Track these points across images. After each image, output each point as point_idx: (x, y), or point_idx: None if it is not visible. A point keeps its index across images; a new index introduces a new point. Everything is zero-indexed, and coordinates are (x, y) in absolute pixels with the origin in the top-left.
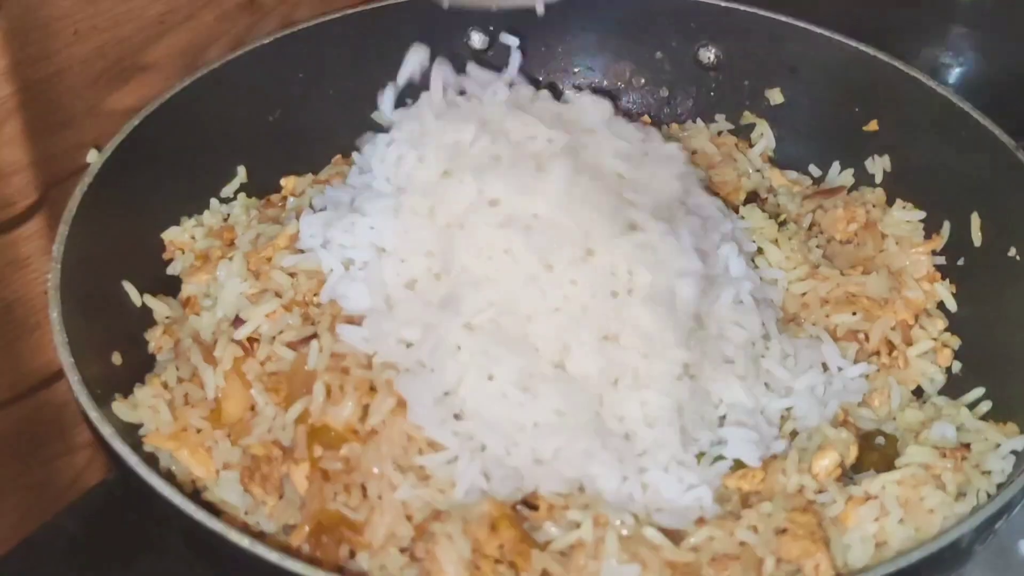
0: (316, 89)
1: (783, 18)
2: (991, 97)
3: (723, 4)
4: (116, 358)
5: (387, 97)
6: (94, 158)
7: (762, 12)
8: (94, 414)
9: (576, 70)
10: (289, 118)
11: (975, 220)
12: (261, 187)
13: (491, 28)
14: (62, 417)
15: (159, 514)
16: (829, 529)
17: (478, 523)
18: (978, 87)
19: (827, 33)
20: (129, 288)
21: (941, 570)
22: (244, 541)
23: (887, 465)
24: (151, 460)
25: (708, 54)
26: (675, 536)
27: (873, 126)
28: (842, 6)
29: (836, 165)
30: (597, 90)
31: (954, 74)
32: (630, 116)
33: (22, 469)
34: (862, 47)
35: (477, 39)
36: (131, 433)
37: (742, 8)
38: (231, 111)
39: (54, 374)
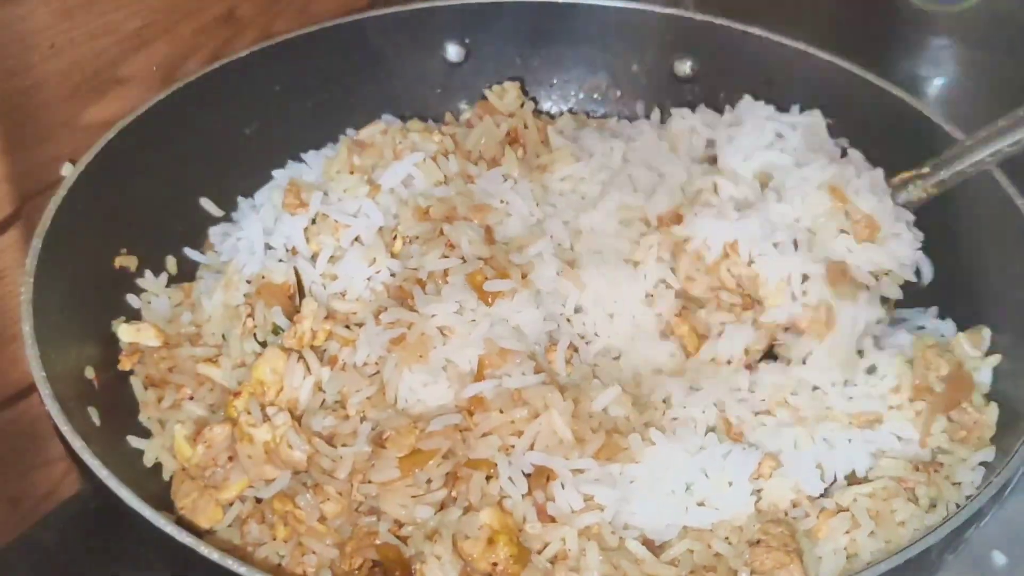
0: (293, 102)
1: (758, 32)
2: (970, 108)
3: (699, 18)
4: (89, 372)
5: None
6: (68, 171)
7: (737, 25)
8: (65, 427)
9: (553, 82)
10: (265, 131)
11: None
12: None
13: (467, 41)
14: (37, 429)
15: (130, 527)
16: (802, 541)
17: (475, 539)
18: (956, 99)
19: (801, 46)
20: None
21: None
22: (213, 555)
23: None
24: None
25: (684, 67)
26: (654, 548)
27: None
28: (823, 19)
29: None
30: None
31: (933, 86)
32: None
33: None
34: (836, 60)
35: (453, 52)
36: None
37: (718, 22)
38: (207, 124)
39: (30, 386)
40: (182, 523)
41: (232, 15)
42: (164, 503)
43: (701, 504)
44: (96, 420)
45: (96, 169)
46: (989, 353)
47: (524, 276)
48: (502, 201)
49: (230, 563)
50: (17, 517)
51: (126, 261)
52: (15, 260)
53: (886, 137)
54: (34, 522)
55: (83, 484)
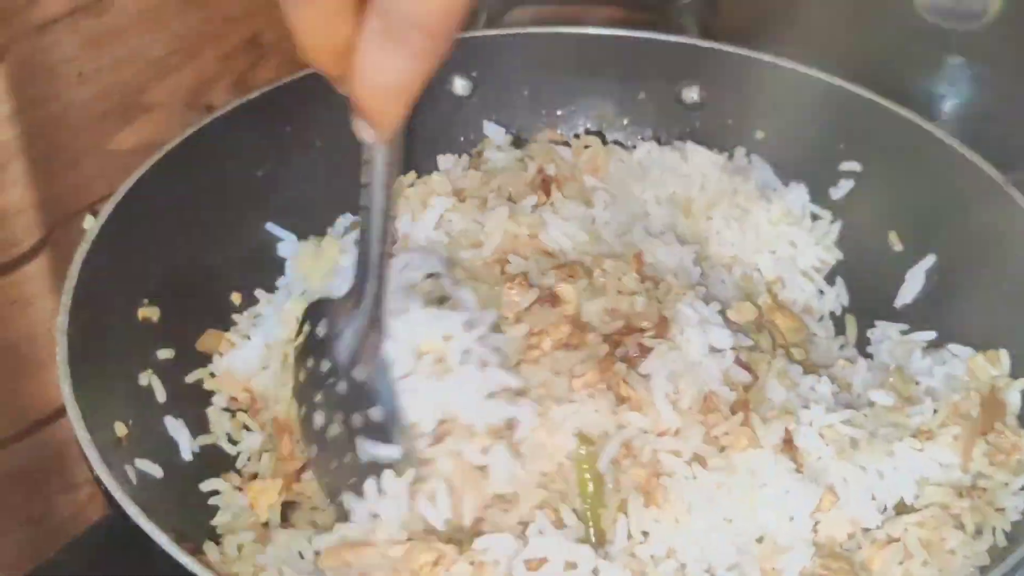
0: (303, 142)
1: (766, 58)
2: (987, 128)
3: (704, 45)
4: (120, 428)
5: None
6: (90, 224)
7: (744, 52)
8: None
9: (559, 112)
10: (277, 172)
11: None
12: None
13: (474, 74)
14: (64, 453)
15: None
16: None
17: None
18: (973, 118)
19: (810, 71)
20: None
21: None
22: None
23: None
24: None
25: (691, 93)
26: None
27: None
28: (834, 38)
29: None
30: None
31: (949, 105)
32: None
33: (23, 505)
34: (845, 84)
35: (460, 85)
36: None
37: (724, 48)
38: (220, 169)
39: (56, 410)
40: None
41: (256, 41)
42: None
43: (760, 540)
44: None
45: (115, 220)
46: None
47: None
48: None
49: None
50: (42, 540)
51: (149, 312)
52: (43, 287)
53: (898, 160)
54: (59, 546)
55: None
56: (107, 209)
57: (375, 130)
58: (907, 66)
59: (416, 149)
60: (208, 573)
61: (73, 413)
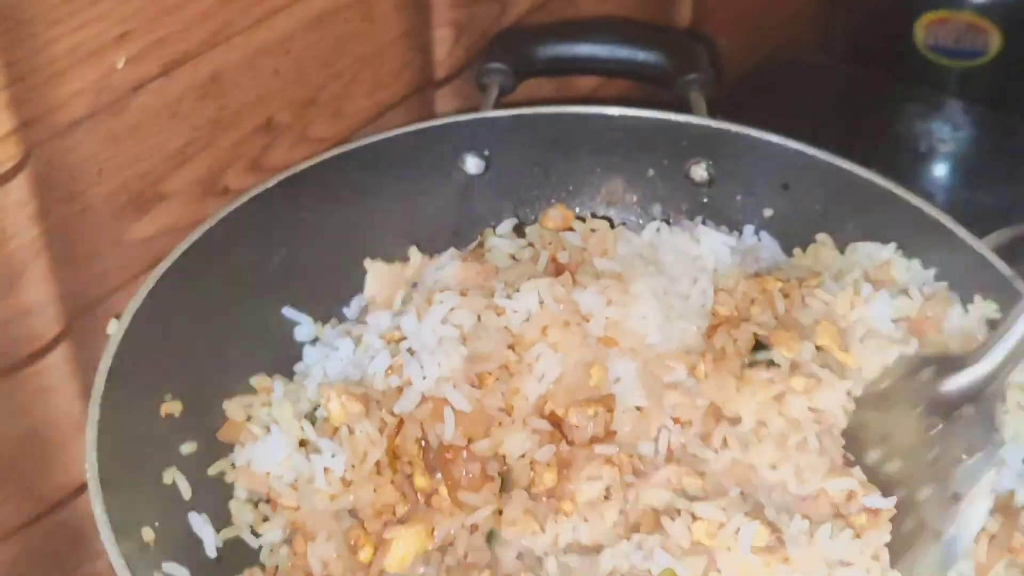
0: (317, 228)
1: (774, 138)
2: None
3: (714, 125)
4: (148, 534)
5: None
6: (114, 328)
7: (753, 132)
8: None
9: (569, 188)
10: (293, 257)
11: None
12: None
13: (486, 153)
14: (83, 528)
15: None
16: None
17: None
18: (974, 160)
19: (819, 153)
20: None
21: None
22: None
23: None
24: None
25: (700, 171)
26: None
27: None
28: (827, 85)
29: None
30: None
31: (946, 147)
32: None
33: None
34: (853, 168)
35: (472, 164)
36: None
37: (733, 129)
38: (236, 259)
39: (76, 489)
40: None
41: (270, 123)
42: None
43: None
44: None
45: (138, 321)
46: None
47: None
48: None
49: None
50: None
51: (172, 408)
52: (65, 375)
53: (906, 243)
54: None
55: None
56: (128, 312)
57: None
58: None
59: (428, 226)
60: None
61: (107, 536)
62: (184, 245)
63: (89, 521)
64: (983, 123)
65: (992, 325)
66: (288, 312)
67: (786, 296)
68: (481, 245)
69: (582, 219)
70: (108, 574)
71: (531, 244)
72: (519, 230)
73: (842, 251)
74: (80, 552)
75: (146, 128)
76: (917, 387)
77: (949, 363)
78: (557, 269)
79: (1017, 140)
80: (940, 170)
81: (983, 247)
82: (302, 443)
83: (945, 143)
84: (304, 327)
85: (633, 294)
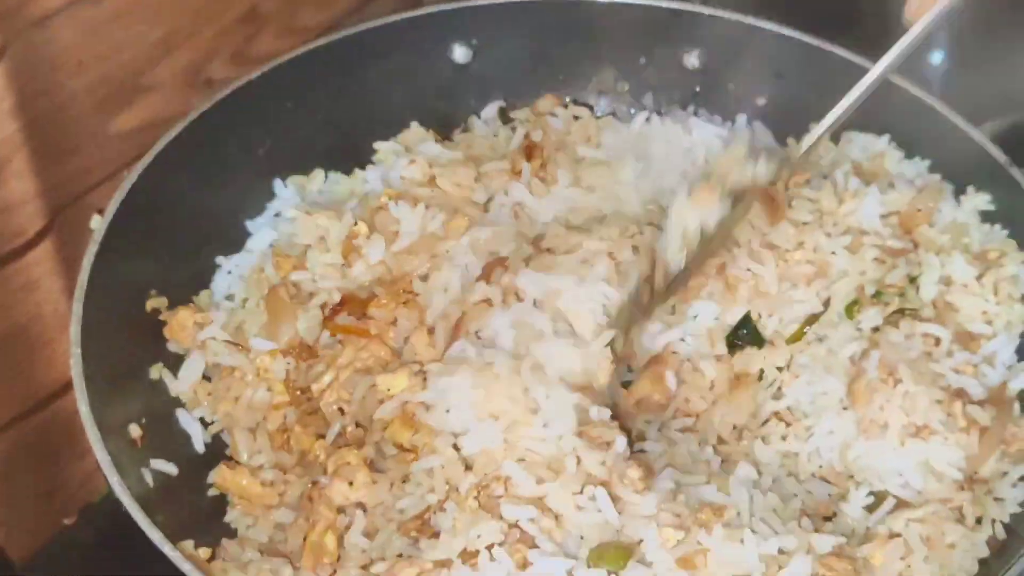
0: (304, 118)
1: (767, 25)
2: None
3: (707, 12)
4: (135, 430)
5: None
6: (97, 224)
7: (746, 19)
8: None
9: (561, 77)
10: (278, 149)
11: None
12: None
13: (474, 42)
14: (72, 424)
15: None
16: (863, 574)
17: None
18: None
19: (811, 40)
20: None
21: None
22: None
23: None
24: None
25: (692, 59)
26: None
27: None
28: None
29: None
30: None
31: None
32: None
33: (36, 477)
34: (851, 56)
35: (460, 53)
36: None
37: (726, 16)
38: (222, 151)
39: (64, 385)
40: None
41: (254, 12)
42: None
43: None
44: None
45: (120, 217)
46: None
47: None
48: None
49: None
50: (55, 510)
51: (157, 303)
52: (49, 270)
53: (900, 133)
54: (71, 513)
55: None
56: (112, 207)
57: None
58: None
59: (415, 117)
60: None
61: (92, 434)
62: (167, 138)
63: (77, 417)
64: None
65: (984, 218)
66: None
67: (771, 199)
68: (465, 131)
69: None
70: (96, 469)
71: (513, 128)
72: (505, 116)
73: (836, 141)
74: (69, 448)
75: (126, 18)
76: None
77: None
78: (529, 149)
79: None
80: (936, 58)
81: (979, 134)
82: None
83: (940, 30)
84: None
85: (621, 181)
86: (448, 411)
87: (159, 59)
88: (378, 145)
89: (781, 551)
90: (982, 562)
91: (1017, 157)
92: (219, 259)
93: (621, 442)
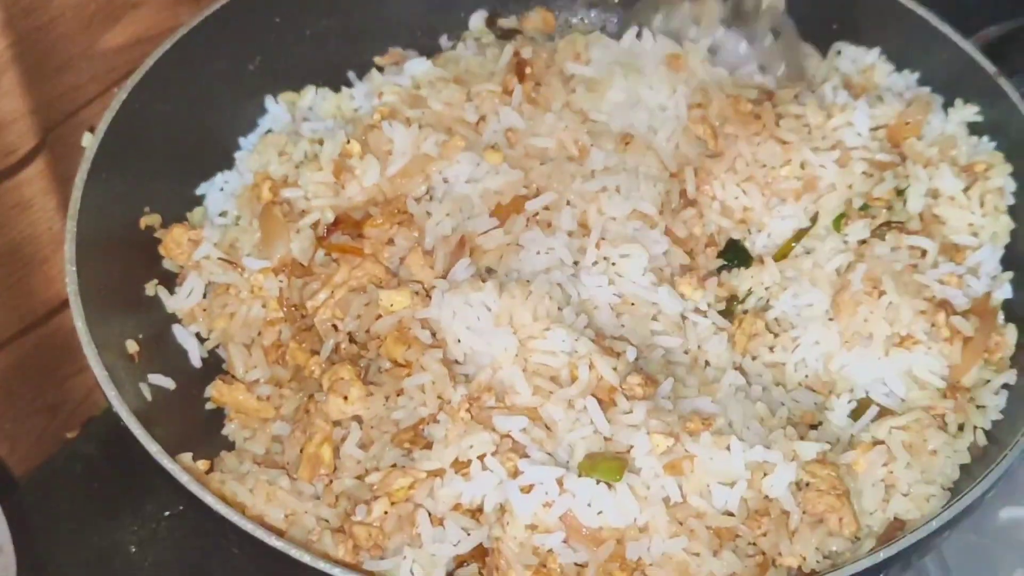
0: (292, 34)
1: None
2: None
3: None
4: (132, 346)
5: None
6: (88, 141)
7: None
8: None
9: None
10: (268, 65)
11: None
12: None
13: None
14: (71, 340)
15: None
16: (847, 480)
17: None
18: None
19: None
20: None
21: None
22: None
23: None
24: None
25: None
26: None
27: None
28: None
29: None
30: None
31: None
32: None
33: (38, 392)
34: None
35: None
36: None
37: None
38: (211, 69)
39: (63, 302)
40: None
41: None
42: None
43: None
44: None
45: (112, 134)
46: None
47: None
48: None
49: (235, 517)
50: (57, 425)
51: (151, 220)
52: (42, 188)
53: (897, 45)
54: (74, 427)
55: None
56: (103, 125)
57: None
58: None
59: (403, 31)
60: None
61: (89, 350)
62: (156, 55)
63: (76, 334)
64: None
65: (972, 130)
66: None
67: (757, 118)
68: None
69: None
70: (96, 386)
71: (504, 40)
72: (495, 25)
73: (825, 53)
74: (69, 363)
75: None
76: None
77: None
78: (519, 66)
79: None
80: None
81: (969, 45)
82: None
83: None
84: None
85: (609, 100)
86: (467, 327)
87: None
88: (379, 60)
89: (766, 461)
90: (963, 468)
91: (1008, 65)
92: (213, 176)
93: (632, 352)
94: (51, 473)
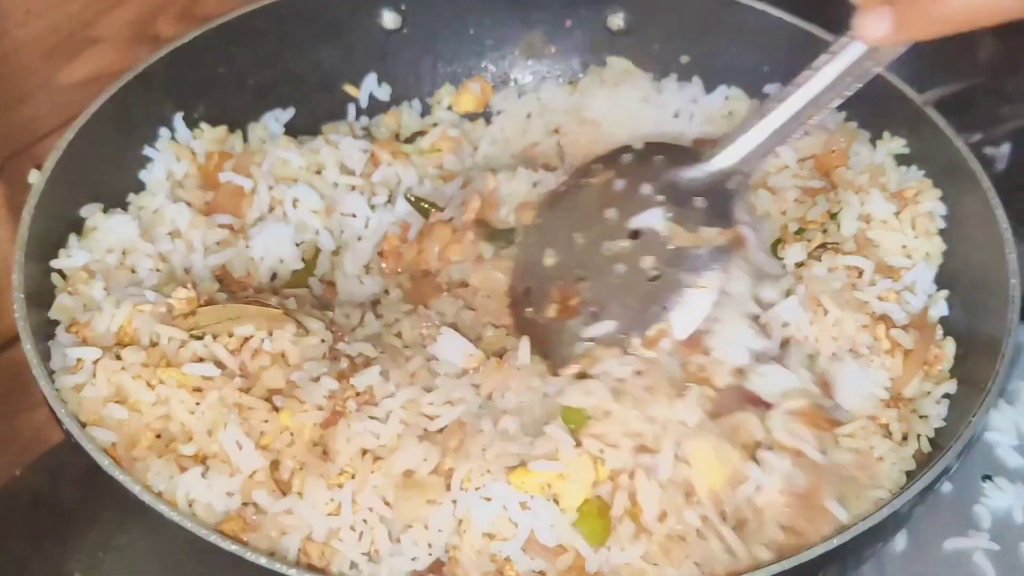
0: (235, 83)
1: None
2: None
3: None
4: None
5: None
6: (36, 179)
7: None
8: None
9: (488, 42)
10: (212, 115)
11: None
12: None
13: (403, 7)
14: (24, 375)
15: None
16: None
17: None
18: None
19: None
20: None
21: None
22: (186, 523)
23: None
24: None
25: (617, 20)
26: None
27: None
28: None
29: None
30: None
31: None
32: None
33: None
34: (768, 9)
35: (389, 18)
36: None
37: None
38: (157, 113)
39: (15, 336)
40: None
41: None
42: None
43: None
44: None
45: (59, 172)
46: None
47: None
48: None
49: (214, 539)
50: (6, 461)
51: None
52: None
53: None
54: (22, 465)
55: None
56: (49, 164)
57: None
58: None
59: (345, 79)
60: (176, 515)
61: (39, 372)
62: (102, 97)
63: (26, 369)
64: None
65: (900, 160)
66: None
67: None
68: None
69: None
70: (48, 421)
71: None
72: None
73: (759, 94)
74: (18, 399)
75: None
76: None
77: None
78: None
79: None
80: None
81: (894, 77)
82: None
83: None
84: None
85: None
86: None
87: (107, 12)
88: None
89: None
90: (909, 474)
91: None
92: None
93: None
94: None
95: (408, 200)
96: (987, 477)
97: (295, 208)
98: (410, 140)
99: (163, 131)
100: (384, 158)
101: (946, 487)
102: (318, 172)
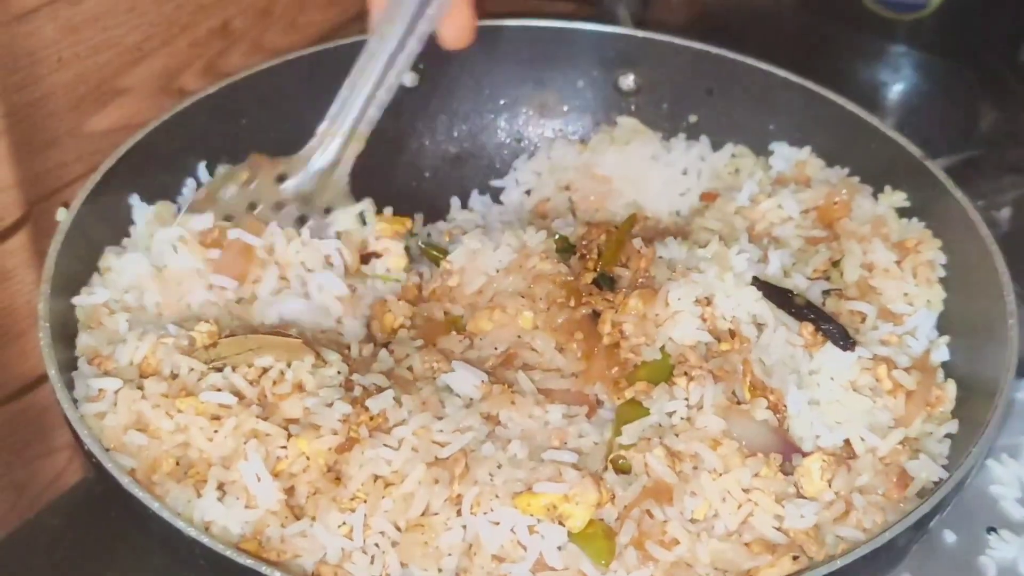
0: (257, 137)
1: (698, 45)
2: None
3: (640, 35)
4: None
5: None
6: (63, 216)
7: (676, 40)
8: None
9: (502, 102)
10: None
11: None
12: None
13: (421, 66)
14: (44, 420)
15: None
16: None
17: None
18: (916, 106)
19: (739, 57)
20: None
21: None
22: (217, 546)
23: None
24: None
25: (627, 81)
26: None
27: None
28: (776, 29)
29: None
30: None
31: (893, 92)
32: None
33: (4, 469)
34: (772, 69)
35: (407, 77)
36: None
37: (658, 38)
38: (176, 165)
39: (37, 379)
40: None
41: (226, 28)
42: None
43: None
44: None
45: (86, 211)
46: None
47: None
48: None
49: (230, 553)
50: (23, 504)
51: None
52: (23, 261)
53: (830, 141)
54: (40, 508)
55: (88, 472)
56: (77, 202)
57: None
58: (851, 55)
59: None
60: (193, 531)
61: (62, 395)
62: (130, 143)
63: (49, 413)
64: (928, 70)
65: (901, 213)
66: None
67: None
68: None
69: None
70: (66, 466)
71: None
72: None
73: (765, 152)
74: (38, 443)
75: (104, 19)
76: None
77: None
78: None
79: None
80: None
81: (894, 132)
82: None
83: (890, 87)
84: None
85: None
86: None
87: (134, 63)
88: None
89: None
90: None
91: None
92: None
93: None
94: (13, 545)
95: (420, 248)
96: (992, 529)
97: (320, 293)
98: None
99: (189, 181)
100: None
101: (951, 538)
102: None
